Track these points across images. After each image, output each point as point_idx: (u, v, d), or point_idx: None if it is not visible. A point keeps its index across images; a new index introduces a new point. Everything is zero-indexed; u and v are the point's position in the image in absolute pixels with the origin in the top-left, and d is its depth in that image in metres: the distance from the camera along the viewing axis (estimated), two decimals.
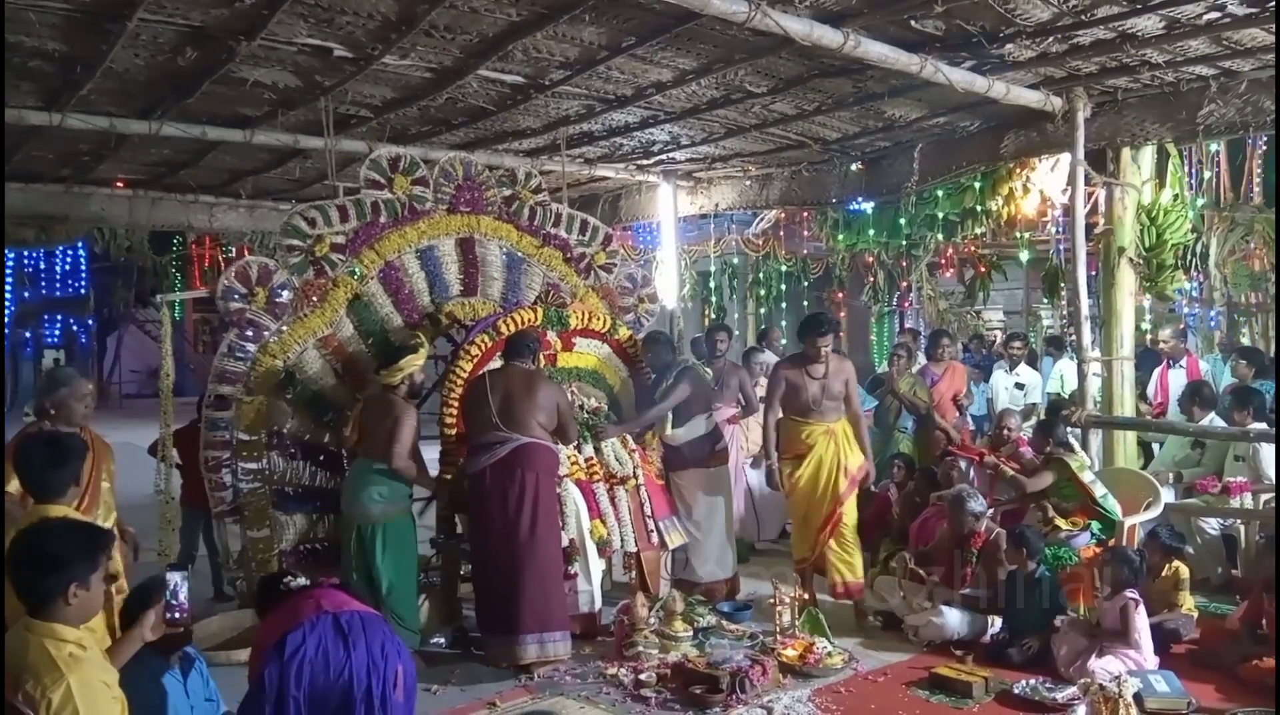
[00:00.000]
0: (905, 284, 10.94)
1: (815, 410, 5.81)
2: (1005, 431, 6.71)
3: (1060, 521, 5.83)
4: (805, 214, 10.66)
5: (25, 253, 16.35)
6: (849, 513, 5.84)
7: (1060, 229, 8.43)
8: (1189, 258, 6.48)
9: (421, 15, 4.78)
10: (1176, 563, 5.47)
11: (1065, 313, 10.87)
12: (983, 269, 11.48)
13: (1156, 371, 8.13)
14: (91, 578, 2.65)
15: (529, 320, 5.76)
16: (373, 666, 3.33)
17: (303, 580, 3.59)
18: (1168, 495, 6.30)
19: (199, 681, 3.62)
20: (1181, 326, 9.28)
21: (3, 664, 2.52)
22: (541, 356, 5.77)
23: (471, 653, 5.38)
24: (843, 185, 8.41)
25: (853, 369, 5.97)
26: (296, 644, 3.28)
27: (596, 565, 5.61)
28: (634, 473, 5.89)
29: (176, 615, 3.01)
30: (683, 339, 9.44)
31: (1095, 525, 5.79)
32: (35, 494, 3.50)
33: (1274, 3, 4.62)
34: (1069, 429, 6.32)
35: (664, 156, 8.60)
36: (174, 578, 3.03)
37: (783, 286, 12.34)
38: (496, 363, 5.65)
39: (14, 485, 3.79)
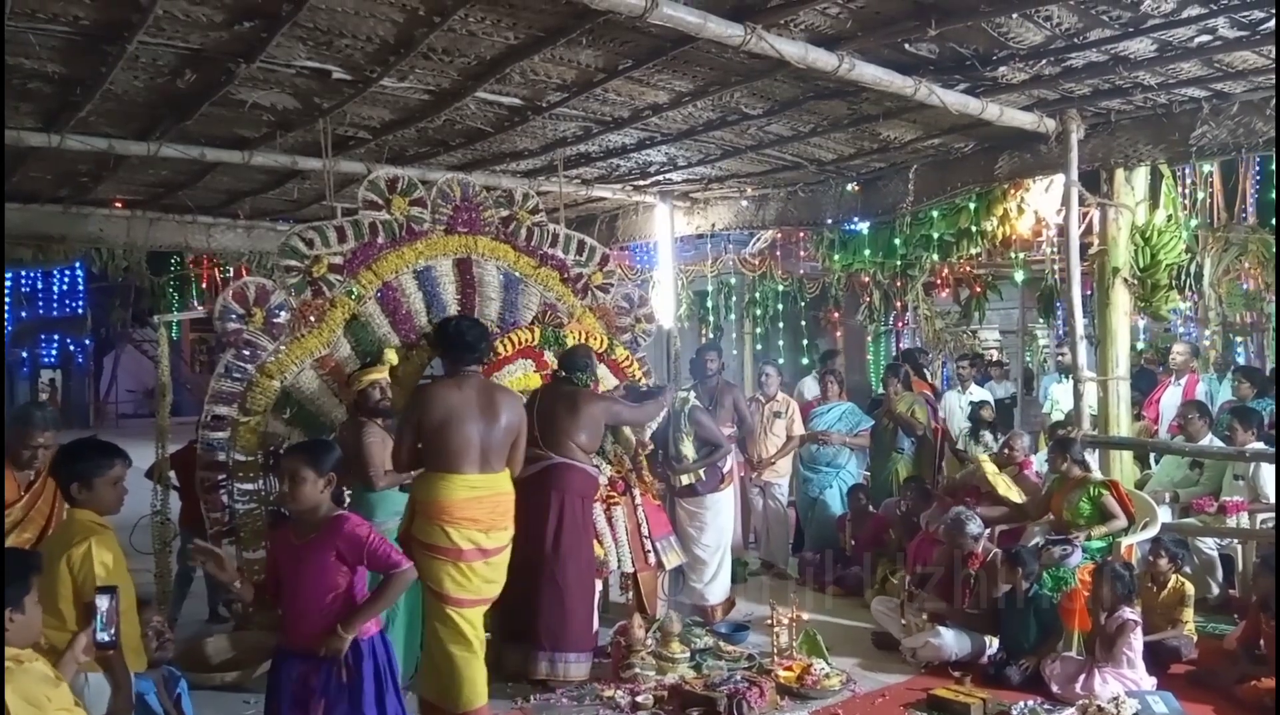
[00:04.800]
0: (901, 304, 10.94)
1: None
2: (1009, 452, 6.73)
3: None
4: (801, 234, 10.69)
5: (23, 272, 16.36)
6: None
7: (1055, 249, 8.46)
8: (1183, 278, 6.49)
9: (420, 38, 4.81)
10: (1181, 579, 5.47)
11: (1061, 332, 10.88)
12: (978, 289, 11.51)
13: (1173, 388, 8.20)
14: (25, 601, 2.74)
15: (526, 340, 5.76)
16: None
17: None
18: (1164, 515, 6.30)
19: (188, 705, 3.64)
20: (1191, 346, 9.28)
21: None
22: (539, 376, 5.78)
23: None
24: (838, 206, 8.44)
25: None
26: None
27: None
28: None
29: (104, 637, 3.08)
30: (679, 359, 9.45)
31: (1093, 544, 5.74)
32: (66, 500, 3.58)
33: (1266, 25, 4.66)
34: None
35: (661, 177, 8.63)
36: (101, 601, 3.09)
37: (779, 306, 12.36)
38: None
39: None
